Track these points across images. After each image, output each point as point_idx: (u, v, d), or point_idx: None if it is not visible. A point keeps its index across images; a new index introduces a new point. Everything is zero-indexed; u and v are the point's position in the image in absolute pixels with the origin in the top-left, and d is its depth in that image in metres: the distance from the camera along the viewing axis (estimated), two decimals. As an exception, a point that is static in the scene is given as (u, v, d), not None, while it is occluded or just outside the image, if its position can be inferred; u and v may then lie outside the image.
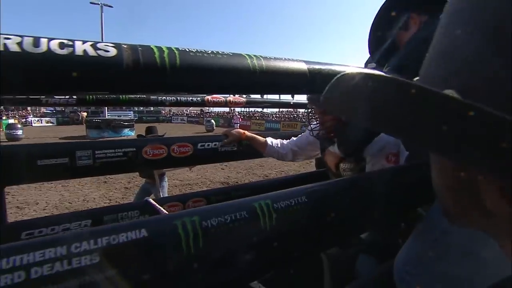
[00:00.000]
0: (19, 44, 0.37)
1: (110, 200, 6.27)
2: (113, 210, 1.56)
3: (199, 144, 1.68)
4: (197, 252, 0.46)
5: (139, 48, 0.48)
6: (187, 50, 0.53)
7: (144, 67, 0.48)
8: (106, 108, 25.53)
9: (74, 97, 1.43)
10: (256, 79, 0.57)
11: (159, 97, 1.65)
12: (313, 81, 0.64)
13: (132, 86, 0.50)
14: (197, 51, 0.54)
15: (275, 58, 0.62)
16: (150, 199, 1.60)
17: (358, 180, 0.87)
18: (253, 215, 0.54)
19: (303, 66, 0.64)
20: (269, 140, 1.70)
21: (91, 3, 24.25)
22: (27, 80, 0.39)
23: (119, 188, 7.28)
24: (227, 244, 0.50)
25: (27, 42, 0.38)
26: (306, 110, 1.56)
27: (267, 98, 2.05)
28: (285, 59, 0.62)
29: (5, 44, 0.36)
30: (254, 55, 0.60)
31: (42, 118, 29.14)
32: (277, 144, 1.69)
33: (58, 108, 37.25)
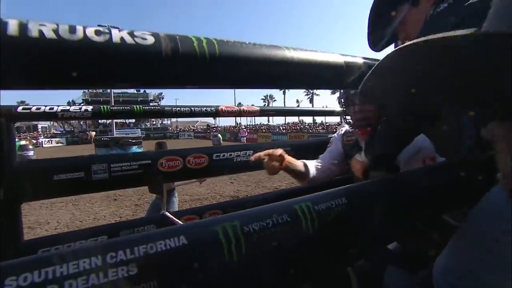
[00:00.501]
0: (55, 31, 0.35)
1: (120, 217, 6.23)
2: (129, 225, 1.53)
3: (215, 155, 1.65)
4: (240, 258, 0.41)
5: (177, 37, 0.45)
6: (225, 40, 0.50)
7: (183, 57, 0.45)
8: (114, 126, 26.13)
9: (89, 109, 1.43)
10: (293, 71, 0.54)
11: (173, 108, 1.64)
12: (350, 74, 0.61)
13: (170, 76, 0.48)
14: (235, 41, 0.51)
15: (311, 51, 0.60)
16: (167, 213, 1.56)
17: (398, 179, 0.82)
18: (295, 218, 0.50)
19: (340, 59, 0.61)
20: (311, 169, 1.46)
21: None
22: (65, 68, 0.36)
23: (129, 206, 7.25)
24: (271, 250, 0.46)
25: (63, 29, 0.36)
26: (340, 107, 1.48)
27: (279, 107, 2.02)
28: (321, 52, 0.60)
29: (40, 31, 0.33)
30: (291, 47, 0.58)
31: (52, 139, 29.68)
32: (316, 171, 1.48)
33: (67, 128, 38.15)
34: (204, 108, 1.78)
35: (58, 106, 1.46)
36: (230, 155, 1.70)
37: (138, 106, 1.54)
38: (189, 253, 0.38)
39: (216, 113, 1.78)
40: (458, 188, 0.88)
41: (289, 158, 1.40)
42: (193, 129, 48.51)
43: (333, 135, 1.63)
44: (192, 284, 0.36)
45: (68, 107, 1.43)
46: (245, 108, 1.84)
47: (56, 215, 6.34)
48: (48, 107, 1.43)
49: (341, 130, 1.57)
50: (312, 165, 1.48)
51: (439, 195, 0.82)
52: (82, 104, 1.52)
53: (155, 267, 0.35)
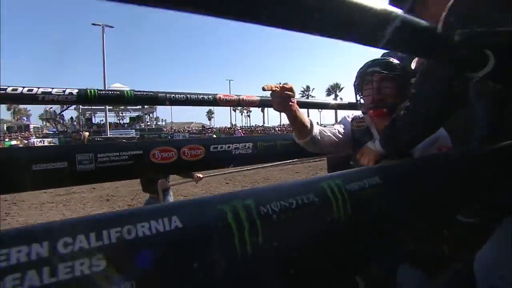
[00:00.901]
0: None
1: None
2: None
3: (212, 147, 1.53)
4: (254, 250, 0.30)
5: None
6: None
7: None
8: (108, 127, 25.85)
9: (74, 92, 1.29)
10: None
11: (167, 95, 1.51)
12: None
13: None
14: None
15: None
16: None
17: (433, 159, 0.71)
18: (324, 199, 0.39)
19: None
20: (315, 128, 1.31)
21: (92, 24, 24.90)
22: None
23: (123, 206, 7.09)
24: (295, 237, 0.35)
25: None
26: (357, 77, 1.40)
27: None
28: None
29: None
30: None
31: (44, 139, 29.18)
32: (318, 137, 1.33)
33: (60, 129, 37.57)
34: (201, 96, 1.66)
35: (38, 88, 1.28)
36: (229, 147, 1.58)
37: (128, 91, 1.40)
38: (183, 241, 0.27)
39: (214, 101, 1.65)
40: (477, 179, 0.79)
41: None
42: (188, 130, 48.26)
43: (343, 117, 1.53)
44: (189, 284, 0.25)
45: (49, 89, 1.27)
46: (245, 98, 1.72)
47: (46, 216, 6.15)
48: (26, 89, 1.26)
49: (351, 115, 1.51)
50: (317, 128, 1.32)
51: (467, 181, 0.72)
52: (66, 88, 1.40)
53: (130, 259, 0.23)
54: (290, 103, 1.16)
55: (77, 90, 1.30)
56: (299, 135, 1.30)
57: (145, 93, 1.41)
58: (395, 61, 1.37)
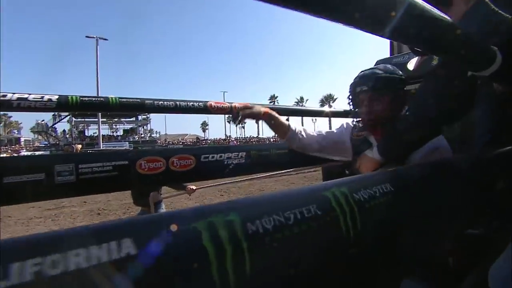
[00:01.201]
0: None
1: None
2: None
3: (203, 156, 1.45)
4: (240, 282, 0.23)
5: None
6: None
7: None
8: (100, 139, 25.53)
9: (54, 99, 1.21)
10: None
11: (155, 102, 1.43)
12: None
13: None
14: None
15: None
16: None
17: (439, 165, 0.65)
18: (328, 211, 0.31)
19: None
20: (293, 125, 1.44)
21: (86, 36, 24.98)
22: None
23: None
24: (294, 263, 0.27)
25: None
26: (349, 97, 1.37)
27: (275, 105, 1.86)
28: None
29: None
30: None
31: (35, 152, 28.64)
32: (301, 132, 1.44)
33: (53, 141, 37.06)
34: (191, 103, 1.58)
35: (14, 93, 1.19)
36: (221, 156, 1.51)
37: (113, 98, 1.32)
38: (137, 274, 0.19)
39: (205, 109, 1.57)
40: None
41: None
42: (182, 142, 48.06)
43: (342, 124, 1.50)
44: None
45: (26, 95, 1.16)
46: (237, 105, 1.65)
47: (33, 231, 5.92)
48: (0, 94, 1.17)
49: (350, 122, 1.47)
50: (296, 126, 1.45)
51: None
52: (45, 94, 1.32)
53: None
54: (255, 111, 1.34)
55: (57, 97, 1.21)
56: (280, 134, 1.43)
57: (131, 100, 1.33)
58: (385, 71, 1.28)
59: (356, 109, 1.33)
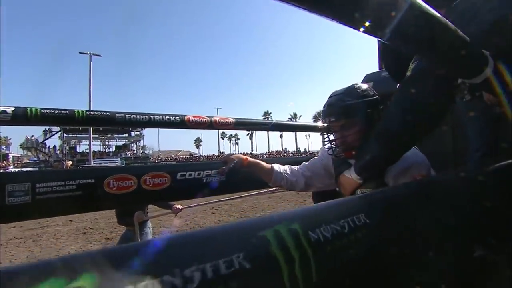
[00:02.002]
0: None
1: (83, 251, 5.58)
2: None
3: (179, 174, 1.35)
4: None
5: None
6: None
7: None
8: (91, 155, 25.14)
9: (8, 111, 1.10)
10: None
11: (127, 116, 1.33)
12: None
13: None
14: None
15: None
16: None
17: (427, 183, 0.56)
18: (265, 263, 0.23)
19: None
20: (276, 166, 1.42)
21: (80, 53, 25.10)
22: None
23: (100, 239, 6.63)
24: None
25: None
26: (322, 126, 1.31)
27: (258, 119, 1.79)
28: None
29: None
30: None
31: (23, 169, 27.97)
32: (286, 170, 1.41)
33: (42, 158, 36.36)
34: (167, 117, 1.45)
35: None
36: (199, 174, 1.40)
37: (80, 111, 1.21)
38: None
39: (182, 123, 1.47)
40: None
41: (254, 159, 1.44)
42: (175, 159, 47.64)
43: (321, 148, 1.45)
44: None
45: None
46: (218, 119, 1.56)
47: (10, 254, 5.61)
48: None
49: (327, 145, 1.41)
50: (280, 166, 1.43)
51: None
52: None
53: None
54: (236, 163, 1.36)
55: (13, 108, 1.11)
56: (266, 178, 1.41)
57: (99, 113, 1.23)
58: (354, 95, 1.21)
59: (330, 136, 1.27)
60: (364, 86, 1.26)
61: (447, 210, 0.45)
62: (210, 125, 1.52)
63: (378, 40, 1.38)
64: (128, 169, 1.25)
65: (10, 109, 1.08)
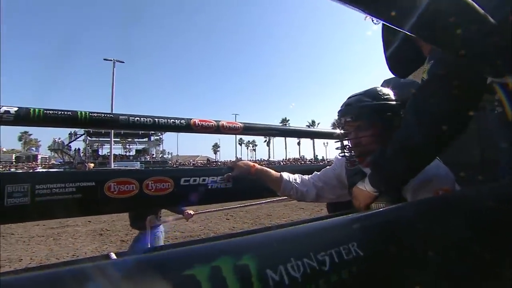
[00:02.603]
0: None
1: (93, 256, 5.68)
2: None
3: (183, 179, 1.30)
4: None
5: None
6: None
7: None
8: (112, 158, 25.94)
9: (12, 111, 1.10)
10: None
11: (130, 118, 1.31)
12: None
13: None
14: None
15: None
16: (112, 253, 1.18)
17: (451, 200, 0.48)
18: None
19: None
20: (285, 175, 1.35)
21: (104, 59, 26.17)
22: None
23: (115, 241, 6.75)
24: None
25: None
26: (339, 130, 1.24)
27: (268, 124, 1.72)
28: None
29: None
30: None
31: (50, 169, 29.30)
32: (295, 180, 1.35)
33: (67, 159, 37.92)
34: (172, 121, 1.45)
35: None
36: (204, 180, 1.35)
37: (82, 112, 1.20)
38: None
39: (188, 127, 1.43)
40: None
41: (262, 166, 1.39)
42: (193, 163, 48.29)
43: (335, 157, 1.37)
44: None
45: None
46: (225, 123, 1.50)
47: (32, 251, 5.81)
48: None
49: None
50: (289, 175, 1.36)
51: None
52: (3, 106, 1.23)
53: None
54: (243, 169, 1.34)
55: (16, 109, 1.10)
56: (274, 187, 1.36)
57: (103, 115, 1.21)
58: (373, 97, 1.14)
59: (345, 139, 1.20)
60: (386, 90, 1.18)
61: (470, 236, 0.36)
62: (217, 129, 1.48)
63: (382, 31, 1.25)
64: (129, 173, 1.22)
65: (13, 109, 1.08)
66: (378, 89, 1.17)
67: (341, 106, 1.20)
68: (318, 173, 1.39)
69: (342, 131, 1.21)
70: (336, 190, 1.34)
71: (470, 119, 0.82)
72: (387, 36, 1.21)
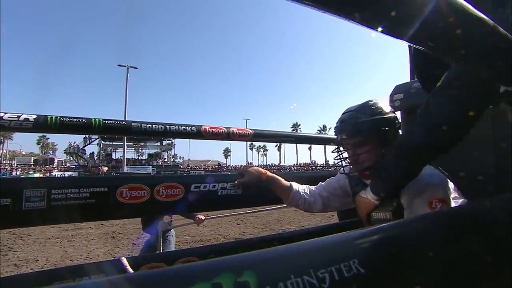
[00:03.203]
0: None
1: (114, 257, 5.76)
2: (74, 271, 1.18)
3: (193, 186, 1.32)
4: None
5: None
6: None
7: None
8: (124, 162, 26.46)
9: (31, 119, 1.15)
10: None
11: (143, 125, 1.34)
12: None
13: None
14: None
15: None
16: (123, 258, 1.20)
17: (462, 213, 0.47)
18: None
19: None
20: (295, 185, 1.37)
21: (118, 65, 26.82)
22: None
23: (127, 244, 6.85)
24: None
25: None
26: (335, 147, 1.28)
27: (278, 131, 1.72)
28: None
29: None
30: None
31: (65, 172, 30.12)
32: (304, 190, 1.37)
33: (82, 163, 38.91)
34: (183, 127, 1.46)
35: None
36: (214, 186, 1.36)
37: (96, 119, 1.24)
38: None
39: (198, 133, 1.45)
40: None
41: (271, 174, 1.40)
42: (204, 168, 48.65)
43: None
44: None
45: (1, 114, 1.10)
46: (235, 130, 1.52)
47: (48, 252, 5.96)
48: None
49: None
50: (298, 185, 1.38)
51: None
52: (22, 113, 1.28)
53: None
54: (254, 176, 1.34)
55: (34, 116, 1.15)
56: (283, 195, 1.37)
57: (116, 122, 1.25)
58: (369, 113, 1.14)
59: (344, 153, 1.24)
60: (380, 103, 1.18)
61: (480, 254, 0.35)
62: (227, 136, 1.49)
63: (409, 46, 1.27)
64: (141, 179, 1.24)
65: (32, 117, 1.13)
66: (371, 103, 1.18)
67: (336, 123, 1.22)
68: (323, 183, 1.41)
69: (339, 146, 1.25)
70: (341, 199, 1.36)
71: (472, 126, 0.84)
72: (414, 55, 1.23)
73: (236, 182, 1.38)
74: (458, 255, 0.36)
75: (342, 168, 1.23)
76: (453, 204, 1.04)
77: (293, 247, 0.31)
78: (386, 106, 1.17)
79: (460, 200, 1.09)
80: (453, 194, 1.08)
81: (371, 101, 1.19)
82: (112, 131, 1.29)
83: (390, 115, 1.15)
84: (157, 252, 3.01)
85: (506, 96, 0.79)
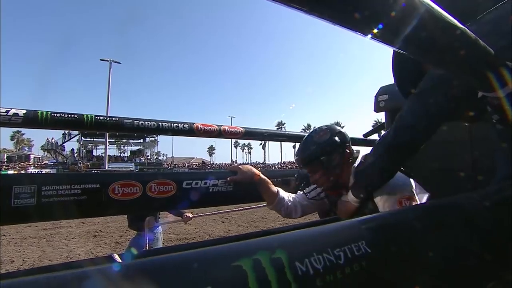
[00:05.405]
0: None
1: (96, 256, 5.62)
2: (67, 267, 1.15)
3: (185, 182, 1.33)
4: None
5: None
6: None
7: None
8: (106, 159, 25.76)
9: (20, 114, 1.12)
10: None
11: (135, 122, 1.33)
12: None
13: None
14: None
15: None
16: (115, 255, 1.20)
17: (444, 206, 0.52)
18: None
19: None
20: (282, 192, 1.47)
21: (101, 59, 26.01)
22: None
23: (109, 243, 6.69)
24: None
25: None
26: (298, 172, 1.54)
27: (269, 129, 1.76)
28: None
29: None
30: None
31: (42, 170, 28.95)
32: (288, 198, 1.48)
33: (60, 160, 37.50)
34: (175, 125, 1.48)
35: None
36: (205, 183, 1.38)
37: (88, 115, 1.23)
38: None
39: (190, 131, 1.47)
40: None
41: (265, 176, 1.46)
42: (188, 165, 48.09)
43: None
44: None
45: None
46: (227, 128, 1.54)
47: (24, 252, 5.74)
48: None
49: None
50: (284, 193, 1.48)
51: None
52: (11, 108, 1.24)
53: None
54: (247, 175, 1.40)
55: (24, 111, 1.12)
56: (268, 199, 1.44)
57: (108, 118, 1.24)
58: (320, 141, 1.25)
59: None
60: (322, 131, 1.29)
61: (465, 238, 0.40)
62: (219, 133, 1.51)
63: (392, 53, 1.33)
64: (133, 175, 1.24)
65: (21, 112, 1.10)
66: (314, 134, 1.30)
67: (295, 155, 1.37)
68: (302, 193, 1.50)
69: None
70: (318, 206, 1.51)
71: (435, 132, 0.95)
72: (396, 58, 1.30)
73: (228, 179, 1.41)
74: (446, 239, 0.42)
75: (308, 195, 1.40)
76: (418, 199, 1.14)
77: (313, 231, 0.36)
78: (327, 133, 1.27)
79: (425, 195, 1.19)
80: (417, 190, 1.18)
81: (317, 130, 1.31)
82: (104, 127, 1.28)
83: (330, 141, 1.24)
84: (144, 249, 2.97)
85: (482, 101, 0.86)
